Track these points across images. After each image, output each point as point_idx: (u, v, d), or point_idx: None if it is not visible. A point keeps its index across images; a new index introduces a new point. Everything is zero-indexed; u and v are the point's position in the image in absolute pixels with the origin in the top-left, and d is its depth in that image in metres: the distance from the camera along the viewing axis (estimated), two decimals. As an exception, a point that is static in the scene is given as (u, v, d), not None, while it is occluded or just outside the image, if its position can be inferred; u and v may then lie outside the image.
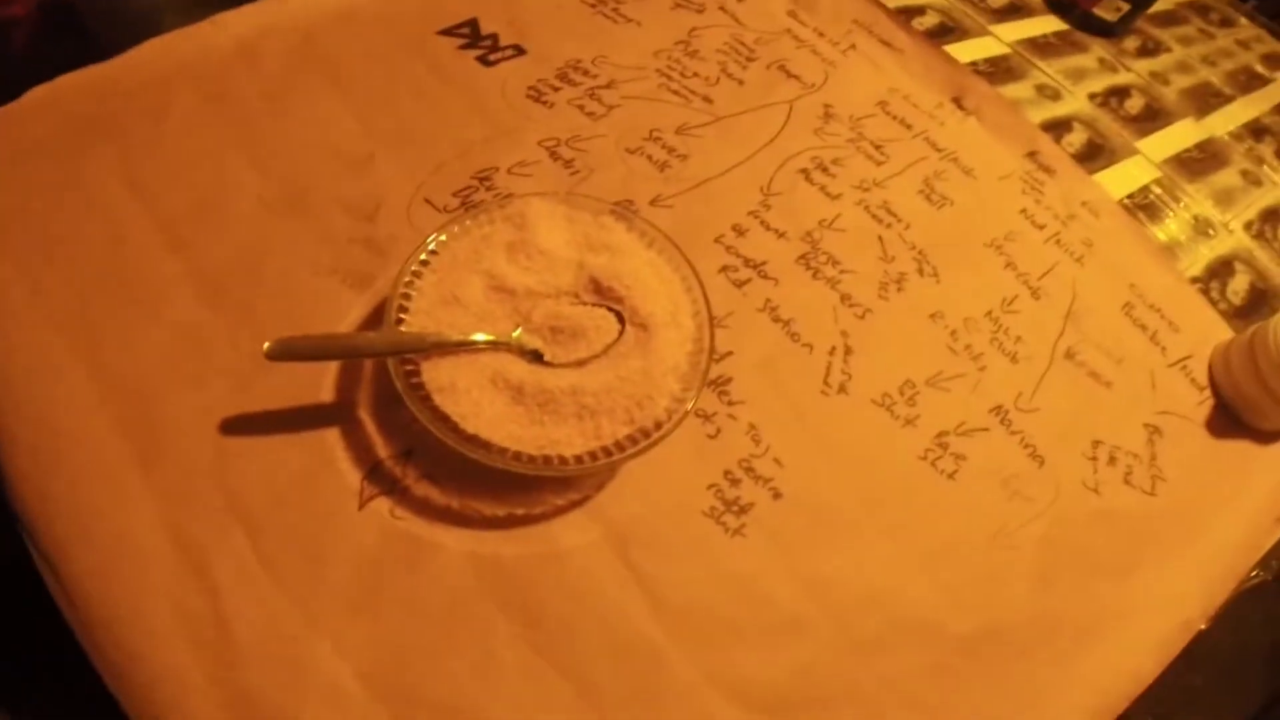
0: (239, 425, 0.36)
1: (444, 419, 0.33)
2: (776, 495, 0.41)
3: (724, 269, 0.48)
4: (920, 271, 0.52)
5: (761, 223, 0.51)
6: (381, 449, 0.37)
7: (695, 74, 0.59)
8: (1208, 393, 0.54)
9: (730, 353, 0.44)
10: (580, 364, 0.35)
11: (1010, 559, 0.43)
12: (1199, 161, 0.70)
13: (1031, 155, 0.61)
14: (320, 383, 0.38)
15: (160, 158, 0.44)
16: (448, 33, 0.56)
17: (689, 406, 0.35)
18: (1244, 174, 0.72)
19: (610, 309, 0.37)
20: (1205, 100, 0.78)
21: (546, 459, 0.33)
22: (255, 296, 0.40)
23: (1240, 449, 0.52)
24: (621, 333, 0.36)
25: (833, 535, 0.41)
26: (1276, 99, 0.83)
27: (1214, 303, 0.59)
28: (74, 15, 0.68)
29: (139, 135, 0.45)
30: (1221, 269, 0.62)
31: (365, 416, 0.38)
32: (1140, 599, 0.44)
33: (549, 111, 0.53)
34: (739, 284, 0.48)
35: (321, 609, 0.34)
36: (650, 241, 0.40)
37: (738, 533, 0.39)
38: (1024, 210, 0.57)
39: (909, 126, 0.60)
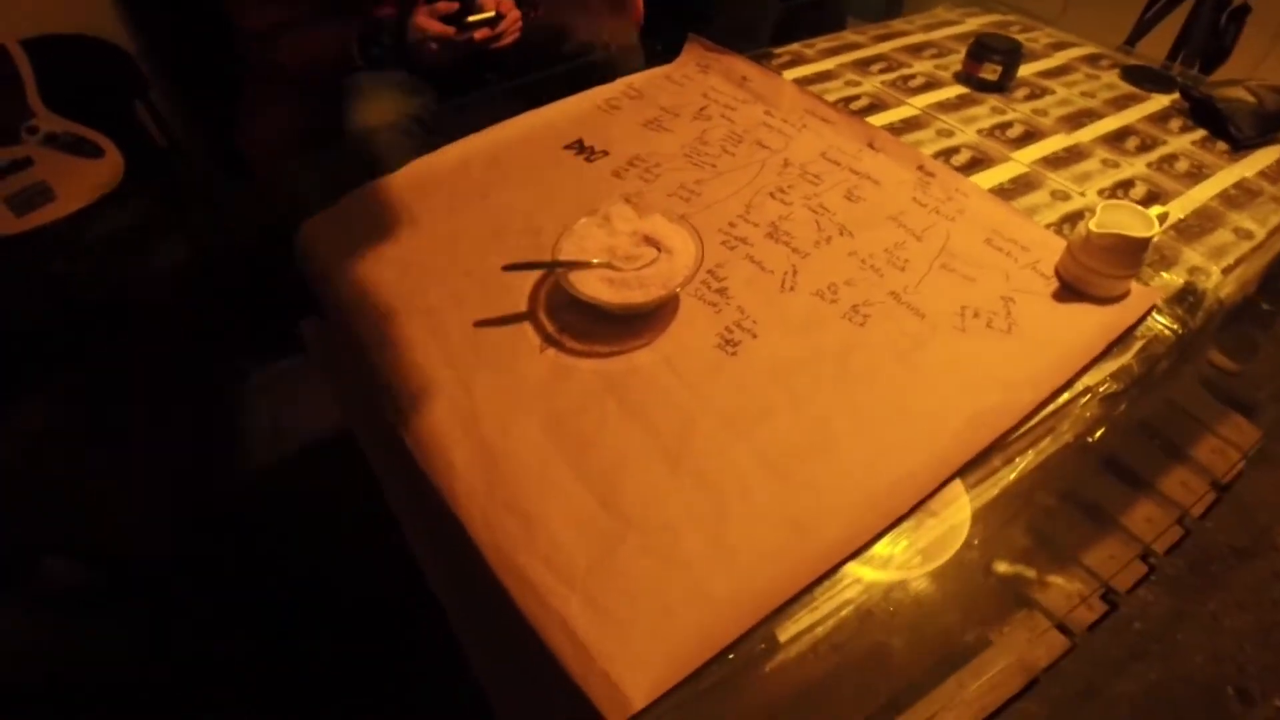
0: (481, 319, 0.76)
1: (580, 293, 0.72)
2: (754, 336, 0.75)
3: (723, 242, 0.86)
4: (841, 234, 0.87)
5: (745, 220, 0.89)
6: (549, 326, 0.76)
7: (706, 154, 1.00)
8: (1053, 280, 0.84)
9: (726, 278, 0.81)
10: (639, 269, 0.74)
11: (901, 369, 0.74)
12: (1064, 159, 1.03)
13: (920, 168, 0.96)
14: (522, 295, 0.78)
15: (438, 208, 0.90)
16: (568, 147, 1.01)
17: (690, 280, 0.73)
18: (1104, 162, 1.03)
19: (654, 246, 0.76)
20: (1078, 120, 1.11)
21: (623, 306, 0.71)
22: (489, 272, 0.80)
23: (1076, 308, 0.80)
24: (658, 255, 0.75)
25: (786, 354, 0.74)
26: (1146, 111, 1.15)
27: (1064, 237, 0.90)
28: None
29: (425, 201, 0.91)
30: (1074, 217, 0.93)
31: (542, 312, 0.77)
32: (992, 383, 0.73)
33: (624, 181, 0.95)
34: (731, 248, 0.85)
35: (519, 400, 0.70)
36: (671, 219, 0.79)
37: (732, 355, 0.74)
38: (914, 198, 0.92)
39: (838, 164, 0.98)
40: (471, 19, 1.23)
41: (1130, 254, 0.79)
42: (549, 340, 0.75)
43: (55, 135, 1.46)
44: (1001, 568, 1.13)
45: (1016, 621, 1.17)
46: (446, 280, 0.81)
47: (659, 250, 0.76)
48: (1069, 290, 0.82)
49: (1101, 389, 0.75)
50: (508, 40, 1.33)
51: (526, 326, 0.76)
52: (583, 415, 0.69)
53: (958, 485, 0.68)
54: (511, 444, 0.68)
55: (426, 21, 1.25)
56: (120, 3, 1.56)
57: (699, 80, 1.14)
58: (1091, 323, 0.79)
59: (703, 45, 1.19)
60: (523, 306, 0.78)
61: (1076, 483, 1.21)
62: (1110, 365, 0.78)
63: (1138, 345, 0.80)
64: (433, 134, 1.30)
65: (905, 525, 0.65)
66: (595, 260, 0.75)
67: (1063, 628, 1.16)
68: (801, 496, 0.64)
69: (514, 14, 1.31)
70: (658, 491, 0.64)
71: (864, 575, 0.63)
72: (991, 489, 0.69)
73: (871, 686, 0.95)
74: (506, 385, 0.72)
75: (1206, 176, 1.02)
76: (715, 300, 0.79)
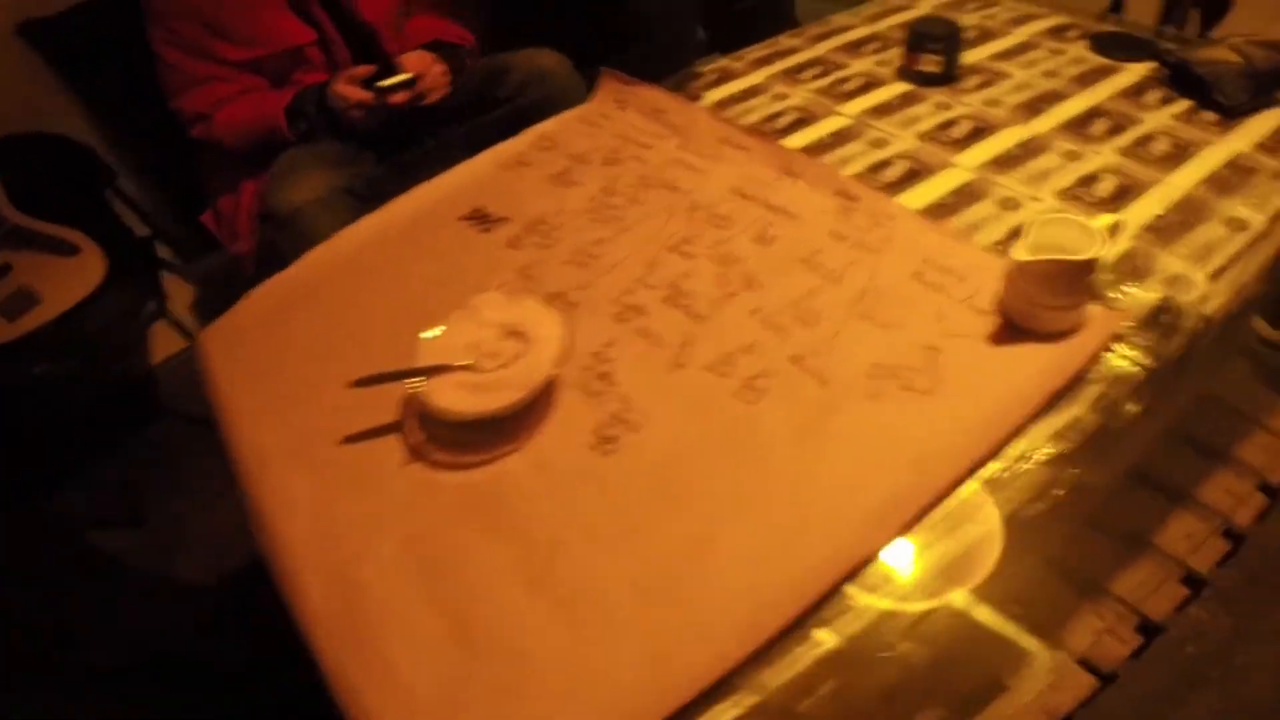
0: (349, 434, 0.72)
1: (436, 408, 0.66)
2: (635, 430, 0.68)
3: (616, 315, 0.78)
4: (747, 287, 0.79)
5: (644, 284, 0.81)
6: (417, 436, 0.71)
7: (613, 205, 0.92)
8: (993, 315, 0.72)
9: (613, 359, 0.74)
10: (499, 369, 0.68)
11: (795, 453, 0.65)
12: (1017, 157, 0.91)
13: (839, 193, 0.86)
14: (388, 409, 0.73)
15: (329, 307, 0.86)
16: (464, 218, 0.95)
17: (552, 375, 0.66)
18: (1065, 154, 0.90)
19: (520, 338, 0.70)
20: (1036, 107, 0.98)
21: (481, 414, 0.65)
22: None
23: (1016, 350, 0.69)
24: (523, 349, 0.69)
25: (667, 448, 0.66)
26: (1119, 86, 1.00)
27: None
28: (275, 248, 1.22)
29: (317, 300, 0.87)
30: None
31: (411, 421, 0.72)
32: (904, 460, 0.64)
33: (520, 251, 0.89)
34: (623, 320, 0.78)
35: (378, 524, 0.65)
36: (542, 303, 0.73)
37: (607, 455, 0.67)
38: (833, 230, 0.82)
39: (752, 199, 0.88)
40: (385, 83, 1.19)
41: (1073, 279, 0.68)
42: (414, 453, 0.70)
43: (29, 237, 1.49)
44: (1013, 603, 1.02)
45: (1036, 663, 1.05)
46: (323, 392, 0.77)
47: (525, 342, 0.70)
48: (1010, 328, 0.71)
49: (1039, 455, 0.64)
50: (433, 98, 1.28)
51: (394, 439, 0.71)
52: (440, 537, 0.64)
53: (980, 494, 0.62)
54: (365, 572, 0.63)
55: (344, 88, 1.22)
56: (74, 97, 1.59)
57: (616, 118, 1.07)
58: (1032, 369, 0.68)
59: (618, 79, 1.11)
60: (392, 415, 0.73)
61: (1097, 506, 1.08)
62: (1057, 420, 0.66)
63: (1094, 391, 0.68)
64: (370, 200, 1.27)
65: (922, 543, 0.60)
66: (458, 363, 0.69)
67: (1086, 663, 1.04)
68: (667, 620, 0.57)
69: (435, 70, 1.26)
70: (512, 619, 0.58)
71: (872, 604, 0.57)
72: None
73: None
74: (367, 507, 0.67)
75: (1191, 156, 0.87)
76: (598, 389, 0.72)
